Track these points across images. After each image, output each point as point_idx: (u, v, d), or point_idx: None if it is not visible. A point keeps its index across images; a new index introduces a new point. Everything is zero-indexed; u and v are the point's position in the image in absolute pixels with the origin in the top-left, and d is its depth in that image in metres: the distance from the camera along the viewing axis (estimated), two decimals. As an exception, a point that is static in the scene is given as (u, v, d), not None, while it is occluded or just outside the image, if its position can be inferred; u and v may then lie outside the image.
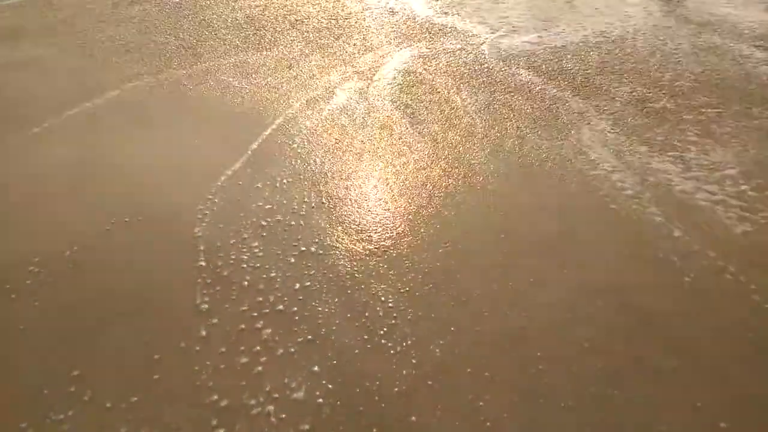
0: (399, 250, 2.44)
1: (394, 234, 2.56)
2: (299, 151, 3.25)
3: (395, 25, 5.32)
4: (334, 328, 2.02)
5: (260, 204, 2.76)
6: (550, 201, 2.78)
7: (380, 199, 2.83)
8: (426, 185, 2.93)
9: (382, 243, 2.50)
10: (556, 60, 4.49)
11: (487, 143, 3.33)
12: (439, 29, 5.18)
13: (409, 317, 2.09)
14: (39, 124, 3.51)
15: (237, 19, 5.52)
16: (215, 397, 1.74)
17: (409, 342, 1.98)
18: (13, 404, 1.74)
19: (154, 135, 3.46)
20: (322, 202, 2.80)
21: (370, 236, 2.54)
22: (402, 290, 2.21)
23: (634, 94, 3.88)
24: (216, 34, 5.16)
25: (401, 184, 2.94)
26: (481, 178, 2.96)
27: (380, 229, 2.60)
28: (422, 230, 2.57)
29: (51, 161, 3.11)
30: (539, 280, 2.30)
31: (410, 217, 2.67)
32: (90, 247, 2.47)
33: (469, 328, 2.04)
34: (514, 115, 3.64)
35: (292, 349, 1.91)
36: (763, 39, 4.76)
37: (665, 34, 4.94)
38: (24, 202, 2.79)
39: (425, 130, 3.50)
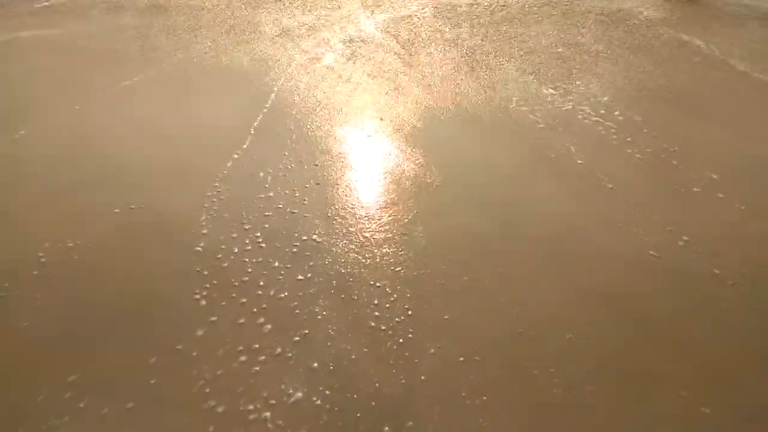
0: (395, 240, 2.33)
1: (391, 224, 2.45)
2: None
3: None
4: (331, 332, 1.91)
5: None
6: (483, 128, 3.34)
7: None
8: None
9: (380, 235, 2.38)
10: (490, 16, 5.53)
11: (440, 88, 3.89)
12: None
13: (407, 316, 1.97)
14: (30, 122, 3.38)
15: None
16: (212, 403, 1.64)
17: (408, 343, 1.86)
18: (9, 410, 1.65)
19: (160, 123, 3.34)
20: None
21: (368, 225, 2.43)
22: (400, 286, 2.10)
23: (537, 43, 4.76)
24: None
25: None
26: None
27: (377, 219, 2.48)
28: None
29: (47, 156, 2.99)
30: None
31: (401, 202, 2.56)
32: (93, 241, 2.35)
33: (468, 327, 1.94)
34: (446, 60, 4.42)
35: (290, 354, 1.81)
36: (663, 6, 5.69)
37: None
38: (26, 200, 2.67)
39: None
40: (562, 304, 2.03)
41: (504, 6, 5.80)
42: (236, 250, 2.28)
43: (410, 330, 1.92)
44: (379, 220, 2.49)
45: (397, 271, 2.18)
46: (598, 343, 1.88)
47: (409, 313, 1.99)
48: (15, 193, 2.70)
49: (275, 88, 3.86)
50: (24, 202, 2.62)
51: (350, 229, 2.43)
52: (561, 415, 1.64)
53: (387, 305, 2.02)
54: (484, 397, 1.68)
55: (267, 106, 3.58)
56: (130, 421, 1.59)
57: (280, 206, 2.58)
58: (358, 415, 1.60)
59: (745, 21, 5.12)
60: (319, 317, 1.95)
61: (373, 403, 1.63)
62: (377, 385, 1.69)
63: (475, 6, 5.87)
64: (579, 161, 2.96)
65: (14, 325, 1.96)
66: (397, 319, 1.96)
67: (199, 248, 2.30)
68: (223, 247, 2.31)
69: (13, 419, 1.62)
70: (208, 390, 1.67)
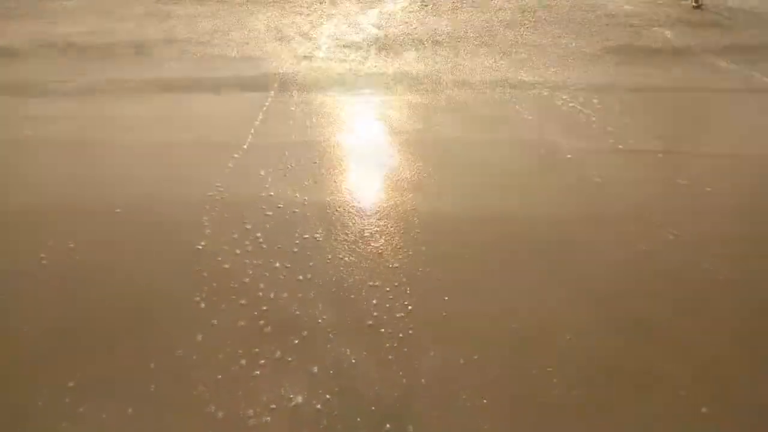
0: (394, 239, 2.30)
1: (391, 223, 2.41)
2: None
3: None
4: (330, 334, 1.87)
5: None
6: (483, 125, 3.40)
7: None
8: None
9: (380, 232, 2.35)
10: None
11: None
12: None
13: (406, 313, 1.94)
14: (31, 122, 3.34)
15: None
16: (212, 407, 1.60)
17: (407, 344, 1.83)
18: (8, 411, 1.62)
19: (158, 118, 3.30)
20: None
21: (368, 224, 2.39)
22: (399, 284, 2.07)
23: (519, 36, 5.10)
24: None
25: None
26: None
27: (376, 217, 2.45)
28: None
29: (47, 156, 2.95)
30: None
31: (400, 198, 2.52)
32: (93, 242, 2.32)
33: (467, 327, 1.90)
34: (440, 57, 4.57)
35: (290, 357, 1.77)
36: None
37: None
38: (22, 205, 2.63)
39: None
40: (561, 303, 2.00)
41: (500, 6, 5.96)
42: (238, 251, 2.24)
43: (410, 329, 1.88)
44: (378, 218, 2.46)
45: (395, 269, 2.14)
46: (597, 343, 1.84)
47: (409, 308, 1.96)
48: (15, 193, 2.66)
49: (274, 87, 3.83)
50: (24, 203, 2.58)
51: (350, 227, 2.39)
52: (561, 415, 1.61)
53: (386, 304, 1.98)
54: (485, 400, 1.64)
55: (266, 105, 3.54)
56: (130, 425, 1.56)
57: (281, 206, 2.55)
58: (359, 419, 1.57)
59: (744, 25, 5.09)
60: (319, 320, 1.91)
61: (373, 408, 1.60)
62: (377, 388, 1.66)
63: (469, 4, 5.93)
64: (568, 155, 2.93)
65: (14, 325, 1.92)
66: (397, 315, 1.93)
67: (201, 249, 2.25)
68: (225, 247, 2.27)
69: (12, 420, 1.59)
70: (208, 395, 1.64)
